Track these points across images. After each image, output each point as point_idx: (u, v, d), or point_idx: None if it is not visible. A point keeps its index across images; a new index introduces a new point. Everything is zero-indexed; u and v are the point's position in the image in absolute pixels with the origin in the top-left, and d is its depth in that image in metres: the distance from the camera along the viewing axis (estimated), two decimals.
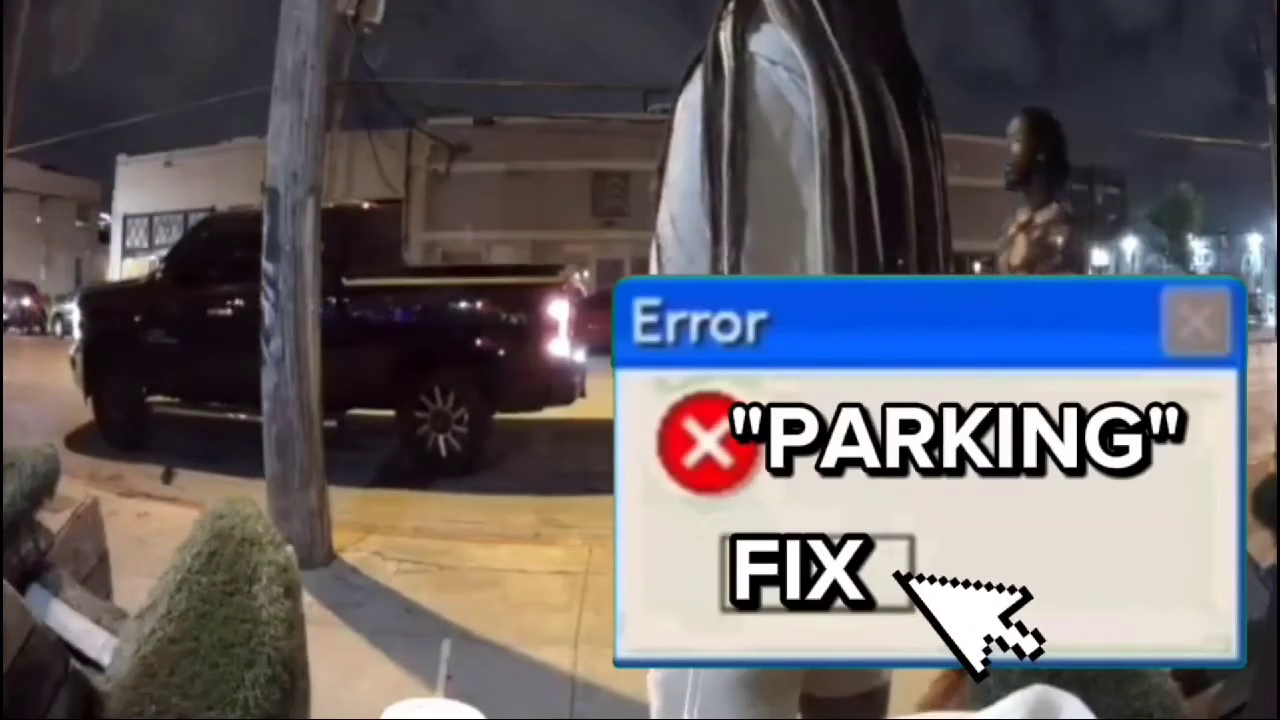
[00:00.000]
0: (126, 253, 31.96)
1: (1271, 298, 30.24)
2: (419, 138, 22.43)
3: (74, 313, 8.02)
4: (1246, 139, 17.44)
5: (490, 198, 23.04)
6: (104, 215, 37.37)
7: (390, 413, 6.46)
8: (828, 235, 0.91)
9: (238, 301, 6.48)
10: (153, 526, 4.14)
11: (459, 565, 3.78)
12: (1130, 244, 38.43)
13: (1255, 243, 33.63)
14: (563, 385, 6.44)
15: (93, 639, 1.33)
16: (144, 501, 4.82)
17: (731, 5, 0.98)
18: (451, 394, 6.25)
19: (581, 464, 6.59)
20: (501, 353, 6.41)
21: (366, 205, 7.84)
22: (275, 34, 3.95)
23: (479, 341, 6.45)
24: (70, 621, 1.35)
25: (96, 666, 1.26)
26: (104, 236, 37.84)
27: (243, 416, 5.92)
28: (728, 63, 0.94)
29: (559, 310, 6.39)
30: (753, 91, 0.93)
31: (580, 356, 6.79)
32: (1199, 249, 34.93)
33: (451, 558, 3.86)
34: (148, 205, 30.91)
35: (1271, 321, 28.88)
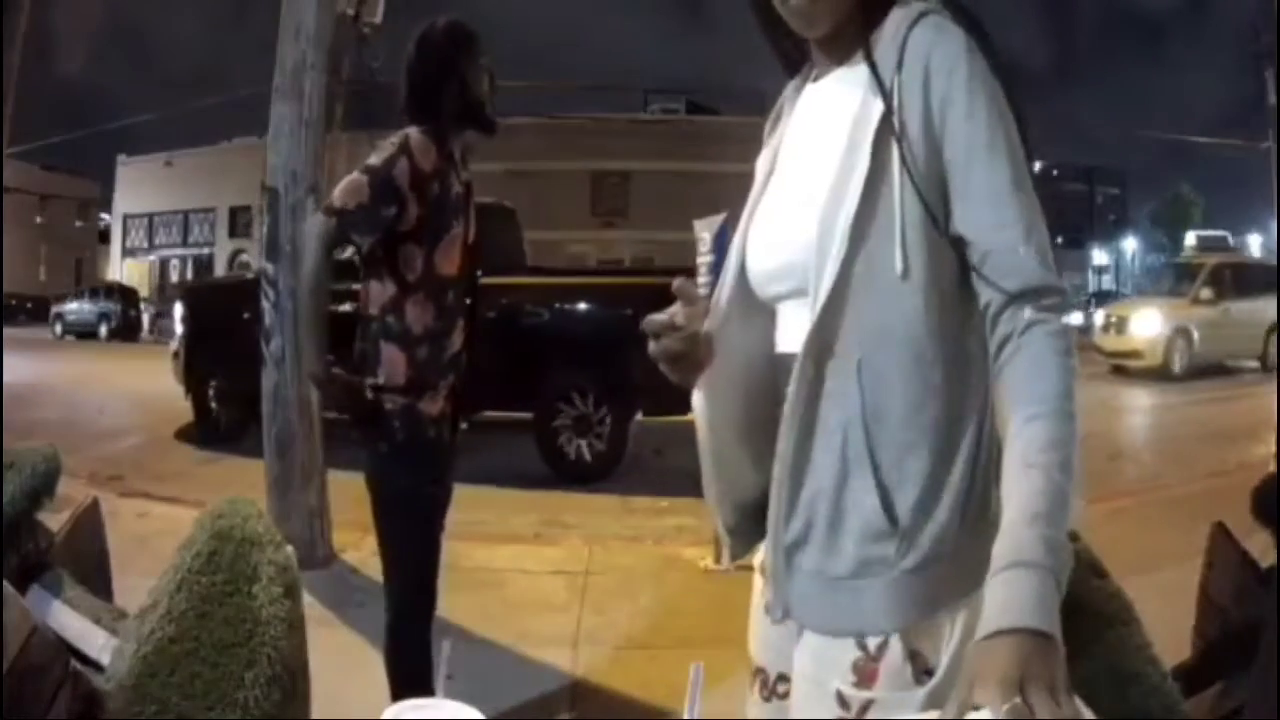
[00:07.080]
0: (126, 252, 31.99)
1: None
2: None
3: (177, 310, 7.80)
4: (1246, 139, 17.46)
5: (490, 197, 23.02)
6: (104, 215, 37.38)
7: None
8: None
9: (344, 306, 6.35)
10: (153, 526, 4.15)
11: (459, 565, 3.77)
12: (1130, 244, 38.42)
13: (1255, 243, 33.55)
14: None
15: (93, 639, 1.33)
16: (144, 501, 4.83)
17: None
18: (592, 397, 6.13)
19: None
20: (646, 354, 6.31)
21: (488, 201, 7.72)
22: (275, 34, 3.95)
23: (624, 344, 6.38)
24: (70, 621, 1.35)
25: (96, 666, 1.26)
26: (104, 236, 37.84)
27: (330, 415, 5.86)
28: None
29: None
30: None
31: None
32: None
33: (452, 557, 3.83)
34: (148, 205, 30.96)
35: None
